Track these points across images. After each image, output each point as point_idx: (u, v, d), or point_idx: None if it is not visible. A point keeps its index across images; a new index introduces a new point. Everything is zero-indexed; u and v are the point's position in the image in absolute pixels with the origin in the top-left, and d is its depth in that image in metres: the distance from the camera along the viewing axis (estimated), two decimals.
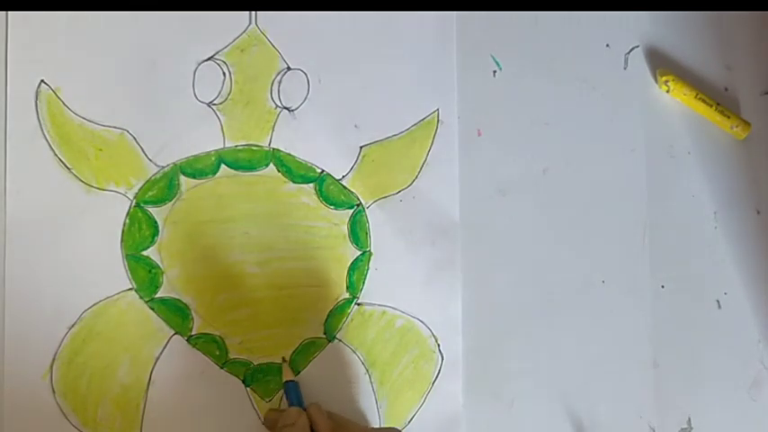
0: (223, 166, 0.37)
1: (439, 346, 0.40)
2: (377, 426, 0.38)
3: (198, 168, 0.36)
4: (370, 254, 0.39)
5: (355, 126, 0.39)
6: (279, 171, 0.38)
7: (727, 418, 0.45)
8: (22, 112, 0.34)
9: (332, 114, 0.38)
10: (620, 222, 0.44)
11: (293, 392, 0.36)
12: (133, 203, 0.35)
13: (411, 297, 0.39)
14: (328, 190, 0.38)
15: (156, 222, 0.36)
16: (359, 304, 0.39)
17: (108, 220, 0.35)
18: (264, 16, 0.37)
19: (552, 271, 0.42)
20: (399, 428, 0.36)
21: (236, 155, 0.37)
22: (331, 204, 0.38)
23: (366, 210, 0.39)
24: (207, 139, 0.37)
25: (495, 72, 0.42)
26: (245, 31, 0.37)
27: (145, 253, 0.35)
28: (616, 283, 0.43)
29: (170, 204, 0.36)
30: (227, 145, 0.37)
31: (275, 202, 0.37)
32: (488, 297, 0.41)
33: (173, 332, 0.36)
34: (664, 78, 0.44)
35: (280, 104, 0.38)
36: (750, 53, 0.47)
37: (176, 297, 0.36)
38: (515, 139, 0.42)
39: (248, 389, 0.37)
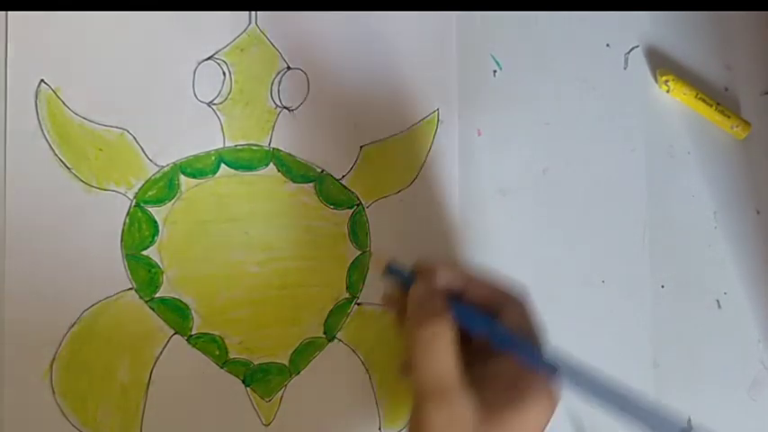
0: (223, 165, 0.37)
1: None
2: None
3: (198, 168, 0.36)
4: (370, 254, 0.39)
5: (355, 126, 0.39)
6: (279, 171, 0.38)
7: (727, 417, 0.45)
8: (22, 112, 0.34)
9: (332, 114, 0.38)
10: (620, 222, 0.44)
11: (398, 272, 0.35)
12: (133, 203, 0.35)
13: None
14: (328, 190, 0.38)
15: (155, 222, 0.36)
16: (359, 304, 0.39)
17: (108, 219, 0.35)
18: (264, 16, 0.37)
19: (552, 271, 0.42)
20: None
21: (236, 155, 0.37)
22: (331, 204, 0.38)
23: (366, 210, 0.39)
24: (207, 138, 0.37)
25: (495, 72, 0.42)
26: (245, 31, 0.37)
27: (145, 253, 0.35)
28: (616, 283, 0.43)
29: (170, 204, 0.36)
30: (227, 145, 0.37)
31: (275, 202, 0.37)
32: None
33: (173, 332, 0.36)
34: (664, 78, 0.44)
35: (280, 104, 0.38)
36: (750, 53, 0.47)
37: (176, 297, 0.36)
38: (515, 139, 0.42)
39: (248, 389, 0.37)
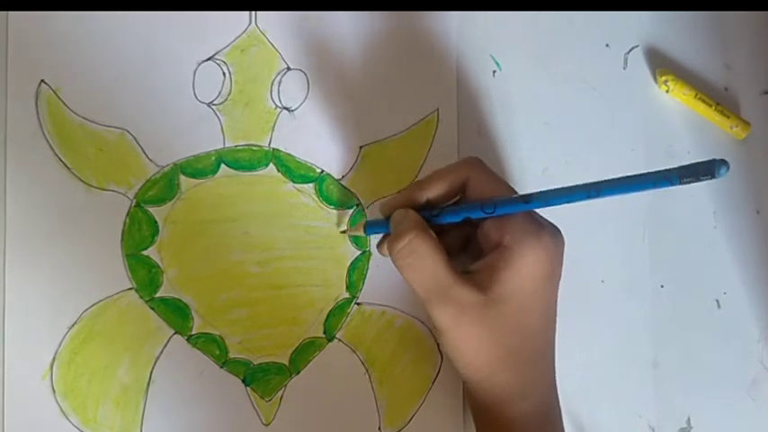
0: (223, 165, 0.37)
1: (438, 345, 0.40)
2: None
3: (198, 168, 0.36)
4: (370, 254, 0.39)
5: (355, 126, 0.39)
6: (279, 171, 0.38)
7: (727, 417, 0.45)
8: (22, 112, 0.34)
9: (332, 114, 0.38)
10: (620, 222, 0.44)
11: (375, 224, 0.37)
12: (133, 203, 0.35)
13: (411, 297, 0.39)
14: (328, 190, 0.38)
15: (156, 222, 0.36)
16: (358, 304, 0.39)
17: (108, 219, 0.35)
18: (264, 16, 0.37)
19: None
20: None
21: (236, 155, 0.37)
22: (331, 204, 0.38)
23: (366, 210, 0.39)
24: (207, 138, 0.37)
25: (494, 72, 0.42)
26: (245, 31, 0.37)
27: (145, 252, 0.36)
28: (616, 283, 0.43)
29: (170, 204, 0.36)
30: (227, 145, 0.37)
31: (275, 202, 0.37)
32: None
33: (173, 332, 0.36)
34: (663, 78, 0.44)
35: (280, 104, 0.38)
36: (750, 53, 0.47)
37: (176, 297, 0.36)
38: (515, 139, 0.42)
39: (248, 388, 0.37)
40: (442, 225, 0.35)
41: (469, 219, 0.34)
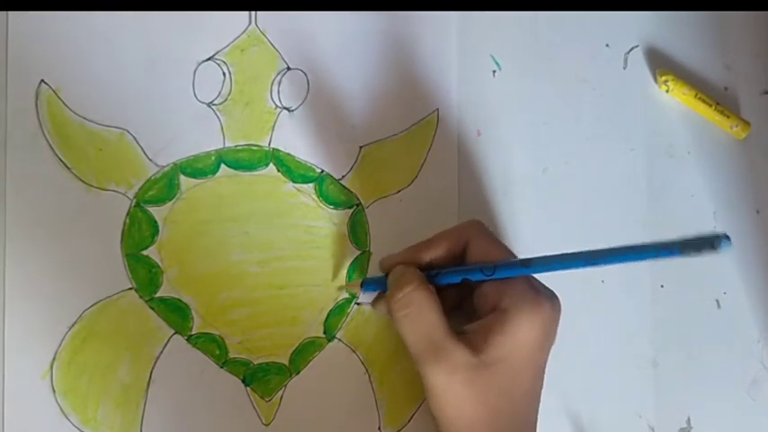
0: (223, 165, 0.37)
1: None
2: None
3: (198, 168, 0.36)
4: (370, 254, 0.39)
5: (355, 126, 0.39)
6: (279, 171, 0.38)
7: (727, 417, 0.45)
8: (22, 112, 0.34)
9: (332, 114, 0.38)
10: (619, 222, 0.44)
11: (372, 281, 0.37)
12: (133, 203, 0.35)
13: None
14: (328, 190, 0.38)
15: (155, 222, 0.36)
16: (358, 304, 0.39)
17: (108, 219, 0.35)
18: (264, 16, 0.37)
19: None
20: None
21: (236, 155, 0.37)
22: (331, 204, 0.38)
23: (366, 210, 0.39)
24: (207, 138, 0.37)
25: (494, 72, 0.42)
26: (245, 31, 0.37)
27: (145, 252, 0.36)
28: (616, 283, 0.43)
29: (170, 204, 0.36)
30: (227, 145, 0.37)
31: (275, 202, 0.37)
32: None
33: (173, 331, 0.36)
34: (663, 78, 0.44)
35: (280, 104, 0.38)
36: (750, 53, 0.47)
37: (176, 297, 0.36)
38: (515, 139, 0.42)
39: (248, 388, 0.37)
40: (438, 285, 0.35)
41: (468, 280, 0.34)
